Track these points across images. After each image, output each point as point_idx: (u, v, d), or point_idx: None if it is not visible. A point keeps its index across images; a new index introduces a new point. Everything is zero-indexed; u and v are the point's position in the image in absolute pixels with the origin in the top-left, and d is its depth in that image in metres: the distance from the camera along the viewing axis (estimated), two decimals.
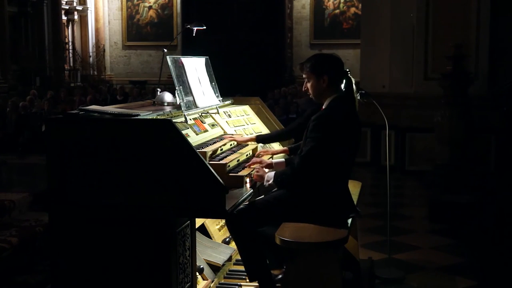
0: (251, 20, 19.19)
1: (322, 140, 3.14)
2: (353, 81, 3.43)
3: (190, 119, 3.65)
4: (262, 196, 3.57)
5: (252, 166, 3.44)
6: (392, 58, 8.96)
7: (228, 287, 3.66)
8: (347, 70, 3.45)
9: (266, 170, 3.41)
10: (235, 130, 4.10)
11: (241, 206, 3.31)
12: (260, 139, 3.98)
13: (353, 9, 19.07)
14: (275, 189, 3.56)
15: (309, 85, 3.35)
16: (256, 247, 3.30)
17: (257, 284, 3.58)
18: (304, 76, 3.38)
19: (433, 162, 7.08)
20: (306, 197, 3.23)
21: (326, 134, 3.15)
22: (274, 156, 3.86)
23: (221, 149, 3.58)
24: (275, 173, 3.30)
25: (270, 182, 3.30)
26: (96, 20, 20.89)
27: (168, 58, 3.64)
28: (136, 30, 20.73)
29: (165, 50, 4.31)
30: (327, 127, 3.17)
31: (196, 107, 3.73)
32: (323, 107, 3.33)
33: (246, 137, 3.94)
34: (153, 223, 2.73)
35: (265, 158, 3.68)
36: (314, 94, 3.35)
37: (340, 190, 3.33)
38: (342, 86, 3.39)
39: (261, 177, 3.33)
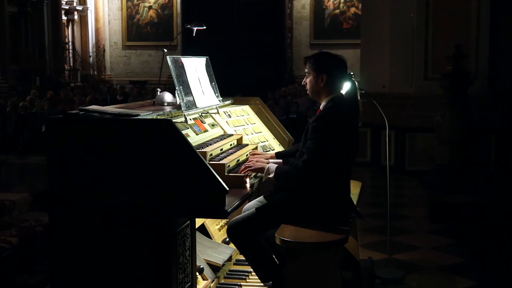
0: (251, 20, 19.19)
1: (324, 141, 3.13)
2: (357, 84, 3.42)
3: (190, 119, 3.65)
4: (257, 204, 3.55)
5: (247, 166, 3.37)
6: (392, 58, 8.97)
7: (228, 287, 3.66)
8: (351, 72, 3.43)
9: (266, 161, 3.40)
10: (235, 130, 4.09)
11: (240, 217, 3.32)
12: (280, 155, 3.74)
13: (353, 9, 19.08)
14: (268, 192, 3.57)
15: (307, 80, 3.35)
16: (262, 252, 3.31)
17: (257, 284, 3.59)
18: (306, 70, 3.37)
19: (433, 162, 7.08)
20: (307, 198, 3.23)
21: (327, 136, 3.14)
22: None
23: (221, 149, 3.58)
24: (276, 168, 3.27)
25: (271, 176, 3.28)
26: (96, 20, 20.91)
27: (168, 58, 3.64)
28: (136, 30, 20.74)
29: (165, 50, 4.31)
30: (327, 128, 3.15)
31: (196, 107, 3.72)
32: (321, 107, 3.33)
33: (267, 154, 3.80)
34: (153, 223, 2.73)
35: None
36: (311, 90, 3.35)
37: (341, 191, 3.33)
38: (345, 88, 3.37)
39: (262, 169, 3.30)
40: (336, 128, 3.17)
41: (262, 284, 3.51)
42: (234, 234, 3.32)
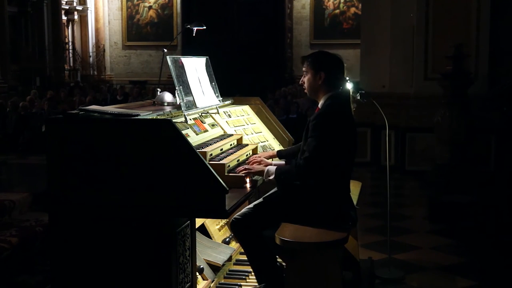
0: (251, 20, 19.19)
1: (324, 138, 3.14)
2: (347, 80, 3.45)
3: (190, 119, 3.65)
4: (261, 199, 3.55)
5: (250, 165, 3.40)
6: (392, 58, 8.97)
7: (228, 287, 3.66)
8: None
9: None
10: (235, 130, 4.10)
11: (244, 210, 3.32)
12: (281, 154, 3.79)
13: (353, 9, 19.09)
14: (274, 189, 3.56)
15: (305, 79, 3.38)
16: (262, 250, 3.30)
17: (257, 284, 3.59)
18: (303, 69, 3.40)
19: (433, 162, 7.08)
20: (308, 197, 3.23)
21: (327, 132, 3.15)
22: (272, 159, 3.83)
23: (221, 149, 3.58)
24: (276, 169, 3.27)
25: (271, 178, 3.28)
26: (96, 20, 20.91)
27: (168, 58, 3.64)
28: (136, 30, 20.75)
29: (165, 50, 4.31)
30: (327, 125, 3.17)
31: (196, 107, 3.72)
32: (319, 105, 3.34)
33: (268, 152, 3.85)
34: (153, 223, 2.73)
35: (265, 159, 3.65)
36: (309, 89, 3.38)
37: (342, 190, 3.33)
38: (346, 87, 3.41)
39: (261, 172, 3.30)
40: (336, 125, 3.20)
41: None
42: (235, 227, 3.33)
